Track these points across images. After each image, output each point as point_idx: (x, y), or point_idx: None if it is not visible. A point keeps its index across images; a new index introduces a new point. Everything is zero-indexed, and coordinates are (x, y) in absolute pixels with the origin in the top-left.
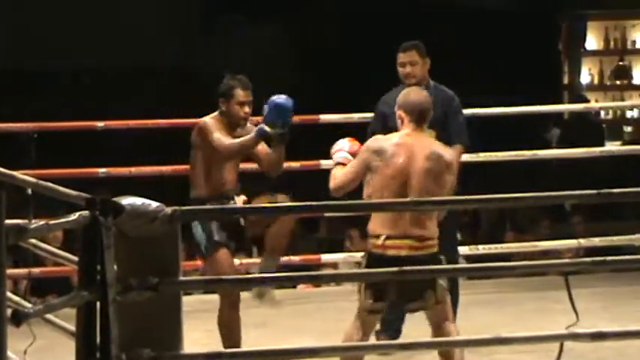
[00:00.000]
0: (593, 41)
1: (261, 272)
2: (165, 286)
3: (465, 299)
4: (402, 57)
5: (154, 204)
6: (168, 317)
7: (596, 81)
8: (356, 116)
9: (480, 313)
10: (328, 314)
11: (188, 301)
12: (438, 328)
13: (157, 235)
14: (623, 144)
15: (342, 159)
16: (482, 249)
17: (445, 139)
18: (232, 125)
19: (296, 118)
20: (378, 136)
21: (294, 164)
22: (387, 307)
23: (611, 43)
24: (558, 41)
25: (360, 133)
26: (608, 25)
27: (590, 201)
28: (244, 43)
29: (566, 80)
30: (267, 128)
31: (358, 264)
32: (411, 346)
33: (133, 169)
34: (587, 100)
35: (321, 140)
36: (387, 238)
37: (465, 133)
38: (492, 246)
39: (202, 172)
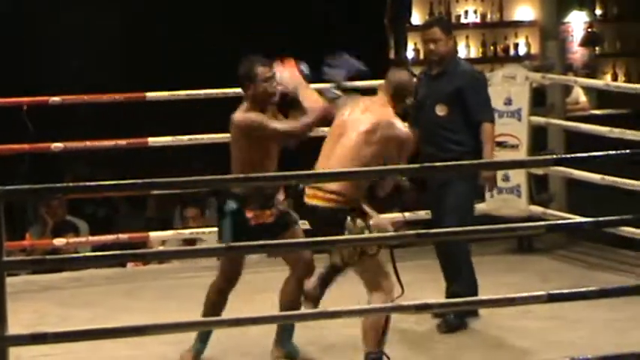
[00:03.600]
0: (418, 16)
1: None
2: None
3: None
4: (423, 34)
5: None
6: None
7: (421, 56)
8: (183, 93)
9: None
10: (156, 292)
11: (13, 282)
12: None
13: None
14: None
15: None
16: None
17: (466, 114)
18: (264, 106)
19: (121, 96)
20: None
21: (121, 142)
22: None
23: None
24: (384, 16)
25: (187, 111)
26: (432, 0)
27: (415, 175)
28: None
29: (392, 55)
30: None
31: (186, 241)
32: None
33: None
34: (413, 75)
35: (148, 118)
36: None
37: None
38: None
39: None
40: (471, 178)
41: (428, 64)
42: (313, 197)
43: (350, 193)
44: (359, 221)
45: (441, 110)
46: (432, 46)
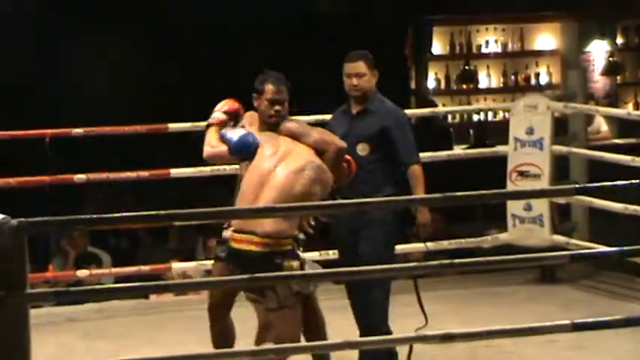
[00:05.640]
0: (438, 46)
1: None
2: (11, 299)
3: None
4: (348, 67)
5: None
6: (15, 331)
7: (442, 85)
8: (205, 124)
9: (331, 318)
10: (180, 324)
11: (37, 314)
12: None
13: (3, 247)
14: (470, 147)
15: (214, 119)
16: (332, 254)
17: (389, 156)
18: (264, 123)
19: (144, 128)
20: None
21: (144, 173)
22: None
23: (457, 48)
24: (405, 46)
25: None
26: (453, 30)
27: (437, 204)
28: (86, 51)
29: (413, 85)
30: None
31: (209, 272)
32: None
33: None
34: (434, 105)
35: (170, 149)
36: (234, 231)
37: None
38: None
39: None
40: (386, 225)
41: (347, 100)
42: (248, 243)
43: (288, 233)
44: (294, 263)
45: (362, 150)
46: (355, 81)
